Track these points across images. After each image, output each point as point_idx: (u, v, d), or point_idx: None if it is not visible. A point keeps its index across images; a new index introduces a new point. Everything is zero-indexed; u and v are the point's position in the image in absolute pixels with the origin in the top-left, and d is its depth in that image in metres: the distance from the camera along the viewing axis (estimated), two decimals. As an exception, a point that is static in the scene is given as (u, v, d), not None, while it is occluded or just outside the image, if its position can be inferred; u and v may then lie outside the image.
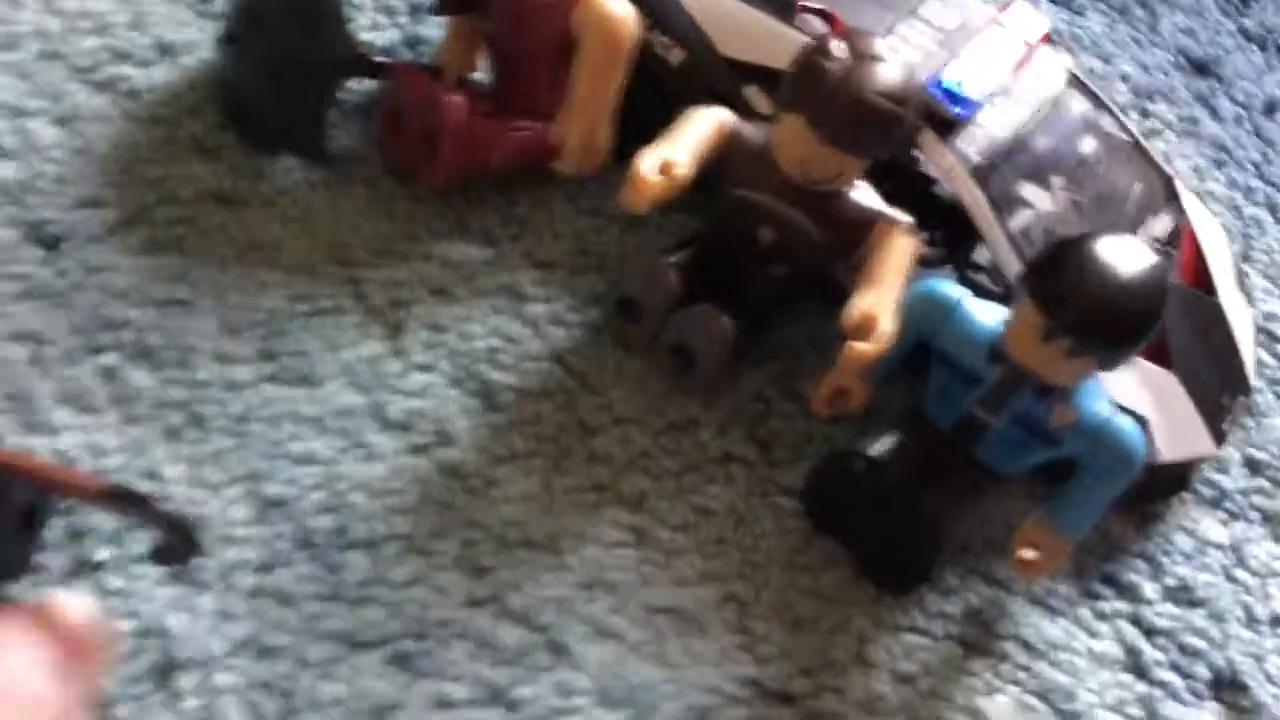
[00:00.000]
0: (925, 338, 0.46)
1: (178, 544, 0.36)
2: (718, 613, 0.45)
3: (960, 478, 0.47)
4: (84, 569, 0.39)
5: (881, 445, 0.47)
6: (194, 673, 0.38)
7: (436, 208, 0.52)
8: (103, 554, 0.40)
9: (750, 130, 0.47)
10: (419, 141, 0.49)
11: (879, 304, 0.44)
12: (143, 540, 0.39)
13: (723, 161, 0.46)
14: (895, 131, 0.45)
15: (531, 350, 0.49)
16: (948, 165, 0.49)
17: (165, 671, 0.38)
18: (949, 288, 0.46)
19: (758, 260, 0.48)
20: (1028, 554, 0.46)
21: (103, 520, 0.40)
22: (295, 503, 0.43)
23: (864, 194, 0.47)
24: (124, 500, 0.35)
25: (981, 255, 0.51)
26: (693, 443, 0.49)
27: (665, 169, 0.43)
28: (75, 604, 0.27)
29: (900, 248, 0.46)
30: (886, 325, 0.44)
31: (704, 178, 0.46)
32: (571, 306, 0.51)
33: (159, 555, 0.36)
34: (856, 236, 0.46)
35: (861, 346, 0.44)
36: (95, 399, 0.43)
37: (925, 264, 0.49)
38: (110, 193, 0.47)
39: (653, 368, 0.50)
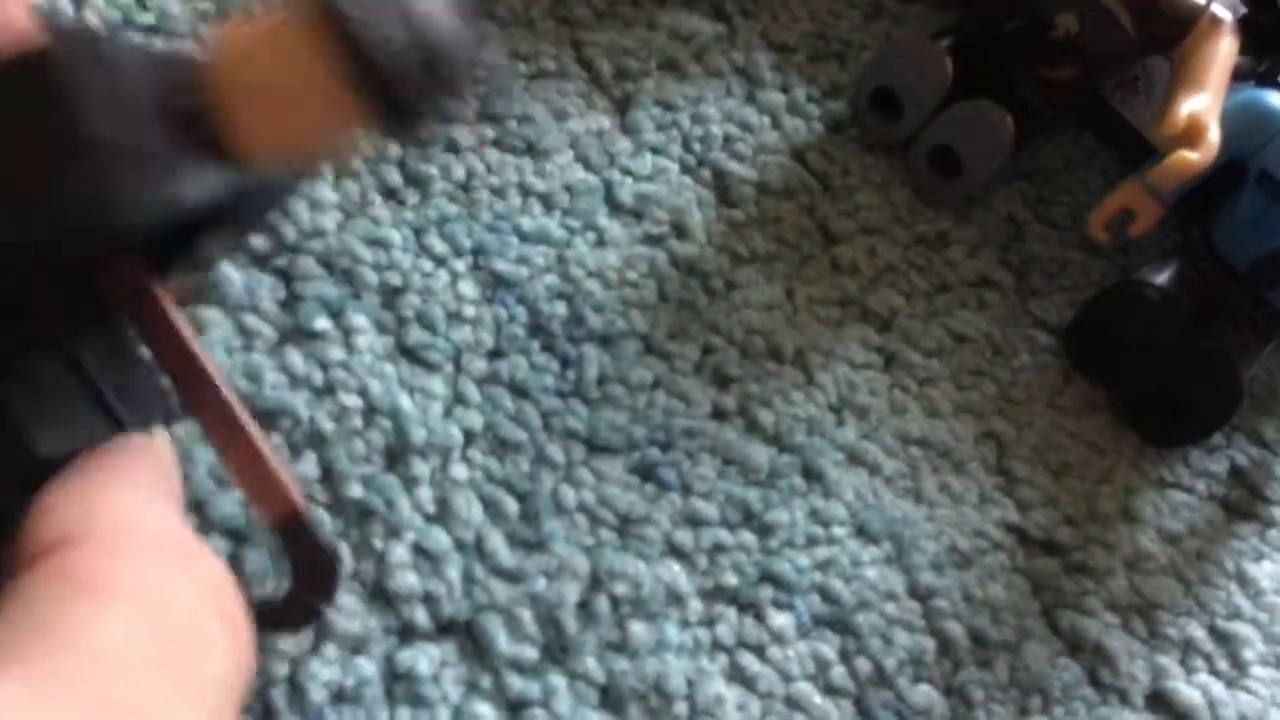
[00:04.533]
0: (1240, 157, 0.40)
1: (307, 595, 0.27)
2: (975, 450, 0.40)
3: (1243, 322, 0.42)
4: (299, 337, 0.34)
5: (1162, 278, 0.42)
6: (429, 459, 0.33)
7: (661, -28, 0.45)
8: (322, 324, 0.34)
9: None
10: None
11: (1206, 108, 0.38)
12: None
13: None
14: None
15: (769, 142, 0.43)
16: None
17: (398, 454, 0.33)
18: (1279, 101, 0.40)
19: (1045, 57, 0.42)
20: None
21: (323, 288, 0.35)
22: (526, 284, 0.37)
23: (1187, -15, 0.40)
24: (297, 523, 0.26)
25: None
26: (943, 261, 0.43)
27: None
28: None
29: (1226, 50, 0.40)
30: (1214, 133, 0.38)
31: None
32: (811, 97, 0.45)
33: (270, 612, 0.27)
34: (1176, 33, 0.40)
35: (1185, 155, 0.38)
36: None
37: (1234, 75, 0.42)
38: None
39: (898, 173, 0.44)
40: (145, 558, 0.18)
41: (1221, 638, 0.39)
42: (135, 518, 0.19)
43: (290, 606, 0.25)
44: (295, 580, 0.24)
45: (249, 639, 0.19)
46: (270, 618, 0.26)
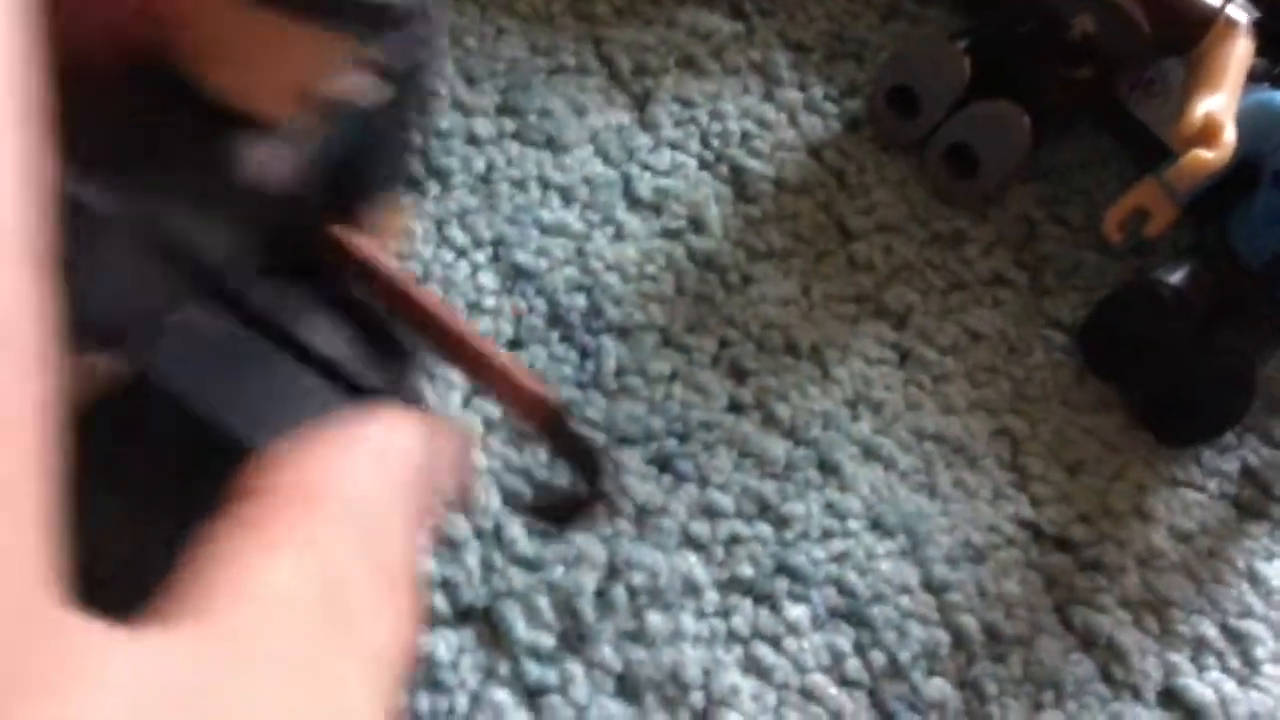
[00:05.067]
0: (1255, 158, 0.40)
1: (584, 495, 0.28)
2: (990, 446, 0.40)
3: (1259, 322, 0.42)
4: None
5: (1177, 277, 0.42)
6: (448, 450, 0.34)
7: (681, -30, 0.46)
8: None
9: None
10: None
11: (1222, 109, 0.38)
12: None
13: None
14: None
15: (786, 139, 0.44)
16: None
17: (418, 445, 0.33)
18: (1294, 102, 0.40)
19: (1062, 57, 0.42)
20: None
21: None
22: (546, 275, 0.37)
23: (1205, -14, 0.41)
24: (557, 424, 0.25)
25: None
26: (958, 259, 0.44)
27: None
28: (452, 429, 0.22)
29: (1241, 52, 0.40)
30: (1230, 132, 0.38)
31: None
32: (828, 95, 0.45)
33: (564, 508, 0.28)
34: (1192, 35, 0.40)
35: (1202, 155, 0.38)
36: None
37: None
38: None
39: (915, 171, 0.44)
40: (322, 523, 0.18)
41: (1233, 636, 0.40)
42: (328, 484, 0.19)
43: (575, 500, 0.26)
44: (572, 474, 0.25)
45: (415, 629, 0.19)
46: (562, 513, 0.27)
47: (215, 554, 0.17)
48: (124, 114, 0.20)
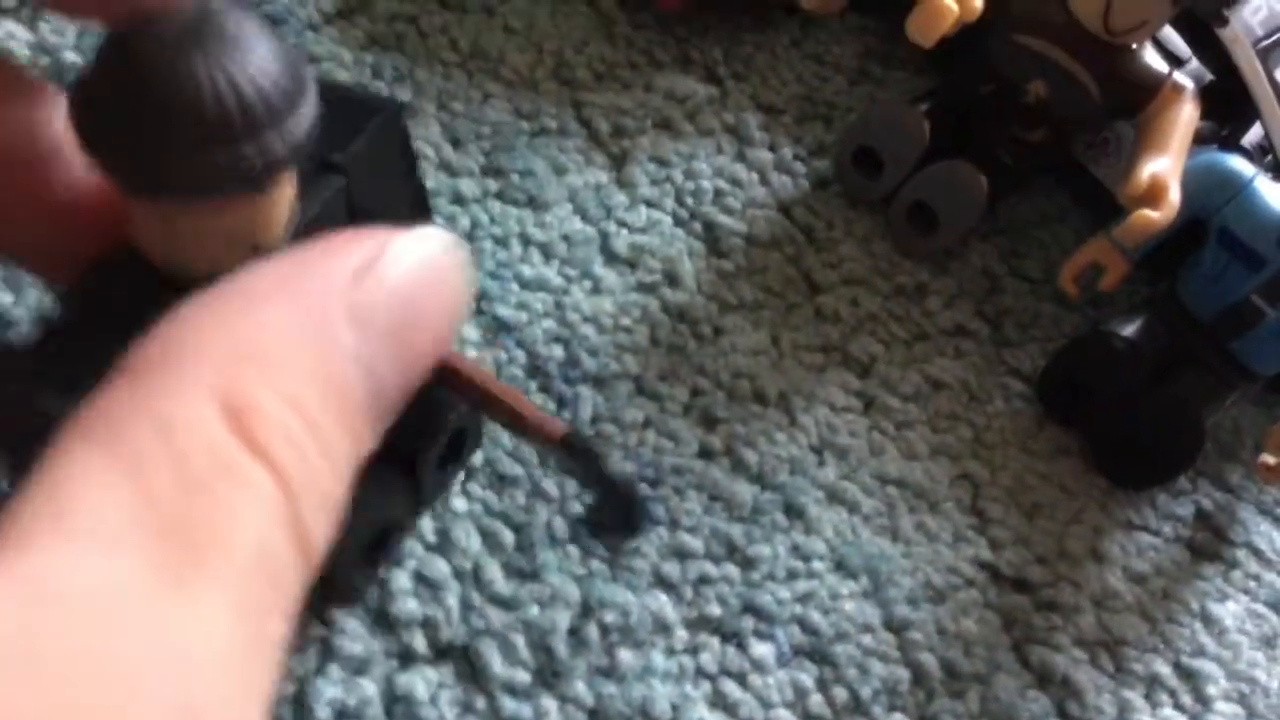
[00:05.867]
0: (1203, 215, 0.42)
1: (618, 517, 0.27)
2: (951, 491, 0.42)
3: (1207, 373, 0.44)
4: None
5: (1130, 329, 0.44)
6: (430, 494, 0.35)
7: (658, 37, 0.48)
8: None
9: (1034, -28, 0.43)
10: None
11: (1168, 170, 0.40)
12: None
13: (999, 3, 0.42)
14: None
15: (757, 197, 0.46)
16: (1231, 35, 0.45)
17: (401, 490, 0.35)
18: (1239, 163, 0.42)
19: (1017, 119, 0.45)
20: (1271, 459, 0.43)
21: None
22: (525, 328, 0.39)
23: (1151, 55, 0.43)
24: (575, 452, 0.26)
25: (1250, 136, 0.47)
26: (921, 311, 0.46)
27: (961, -2, 0.39)
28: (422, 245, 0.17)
29: (1187, 115, 0.42)
30: (1175, 194, 0.40)
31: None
32: (798, 155, 0.47)
33: (595, 528, 0.30)
34: (1140, 99, 0.42)
35: (1147, 214, 0.40)
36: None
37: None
38: (329, -21, 0.43)
39: (880, 227, 0.47)
40: (184, 405, 0.14)
41: (1186, 674, 0.41)
42: (211, 347, 0.15)
43: (602, 517, 0.27)
44: (599, 496, 0.27)
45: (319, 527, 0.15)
46: (595, 530, 0.29)
47: (46, 477, 0.14)
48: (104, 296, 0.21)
